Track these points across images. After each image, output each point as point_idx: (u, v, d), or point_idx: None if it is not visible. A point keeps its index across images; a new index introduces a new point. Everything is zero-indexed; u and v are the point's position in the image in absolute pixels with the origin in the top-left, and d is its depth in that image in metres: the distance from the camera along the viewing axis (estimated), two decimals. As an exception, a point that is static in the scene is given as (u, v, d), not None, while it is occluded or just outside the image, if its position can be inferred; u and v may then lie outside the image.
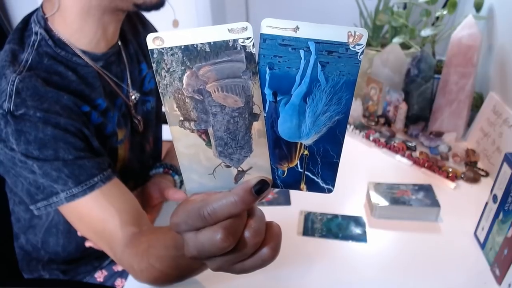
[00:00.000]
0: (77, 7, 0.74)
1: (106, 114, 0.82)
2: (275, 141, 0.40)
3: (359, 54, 0.36)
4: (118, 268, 1.01)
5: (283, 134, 0.40)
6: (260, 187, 0.39)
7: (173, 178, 0.99)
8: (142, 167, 0.99)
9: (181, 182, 1.00)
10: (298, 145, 0.40)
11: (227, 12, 2.43)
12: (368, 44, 1.42)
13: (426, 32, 1.23)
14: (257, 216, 0.42)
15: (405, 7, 1.51)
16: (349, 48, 0.36)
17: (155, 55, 0.36)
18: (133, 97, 0.90)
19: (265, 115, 0.39)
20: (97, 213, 0.72)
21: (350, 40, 0.36)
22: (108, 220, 0.71)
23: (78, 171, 0.70)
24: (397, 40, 1.26)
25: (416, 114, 1.21)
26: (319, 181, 0.42)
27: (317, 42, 0.36)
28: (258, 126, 0.39)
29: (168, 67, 0.37)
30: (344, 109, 0.38)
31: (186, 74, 0.37)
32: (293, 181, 0.42)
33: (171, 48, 0.36)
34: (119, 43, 0.87)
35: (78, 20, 0.76)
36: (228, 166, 0.41)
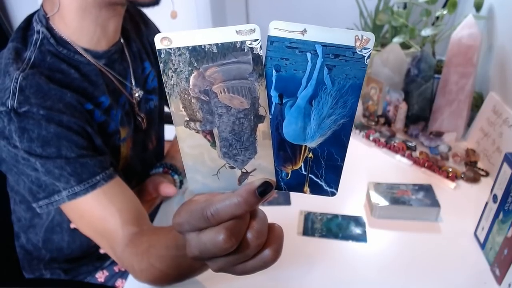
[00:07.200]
0: (75, 4, 0.74)
1: (109, 112, 0.82)
2: (279, 143, 0.40)
3: (365, 58, 0.36)
4: (119, 268, 1.01)
5: (288, 137, 0.40)
6: (264, 189, 0.39)
7: (172, 178, 0.99)
8: (144, 165, 0.99)
9: (181, 182, 1.00)
10: (303, 148, 0.40)
11: (226, 3, 2.41)
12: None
13: (426, 32, 1.23)
14: (260, 218, 0.42)
15: (405, 7, 1.51)
16: (356, 52, 0.36)
17: (162, 55, 0.36)
18: (136, 95, 0.90)
19: (271, 117, 0.39)
20: (98, 212, 0.72)
21: (357, 44, 0.36)
22: (109, 219, 0.71)
23: (81, 169, 0.71)
24: (397, 40, 1.26)
25: (416, 114, 1.21)
26: (323, 184, 0.42)
27: (324, 45, 0.36)
28: (263, 128, 0.39)
29: (175, 67, 0.37)
30: (349, 113, 0.38)
31: (193, 75, 0.37)
32: (296, 184, 0.42)
33: (179, 49, 0.36)
34: (122, 41, 0.87)
35: (77, 18, 0.76)
36: (232, 167, 0.41)
